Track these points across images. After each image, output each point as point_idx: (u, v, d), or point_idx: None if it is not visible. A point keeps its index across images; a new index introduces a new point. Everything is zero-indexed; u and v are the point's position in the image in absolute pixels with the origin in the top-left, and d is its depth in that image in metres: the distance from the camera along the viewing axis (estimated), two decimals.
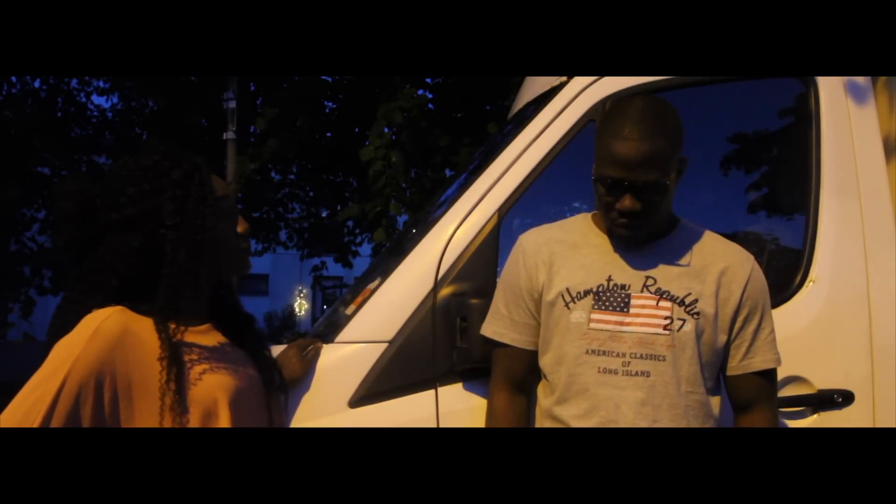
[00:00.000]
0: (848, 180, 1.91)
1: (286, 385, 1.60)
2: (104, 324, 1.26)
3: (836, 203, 1.90)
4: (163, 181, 1.37)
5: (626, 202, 1.45)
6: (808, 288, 1.87)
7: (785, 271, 1.92)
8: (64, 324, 1.29)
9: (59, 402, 1.20)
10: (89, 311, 1.28)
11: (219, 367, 1.36)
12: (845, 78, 1.97)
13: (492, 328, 1.62)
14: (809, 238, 1.90)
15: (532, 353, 1.59)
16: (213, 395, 1.33)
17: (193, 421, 1.29)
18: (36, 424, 1.18)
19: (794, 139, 2.06)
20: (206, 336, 1.41)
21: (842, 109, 1.95)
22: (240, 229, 1.48)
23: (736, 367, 1.56)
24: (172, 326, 1.30)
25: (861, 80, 1.98)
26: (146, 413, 1.27)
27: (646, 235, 1.52)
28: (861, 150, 1.93)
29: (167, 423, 1.26)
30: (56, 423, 1.19)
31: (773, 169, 2.20)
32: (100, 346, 1.24)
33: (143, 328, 1.29)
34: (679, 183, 1.54)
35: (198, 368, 1.33)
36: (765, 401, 1.57)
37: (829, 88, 1.96)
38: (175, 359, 1.28)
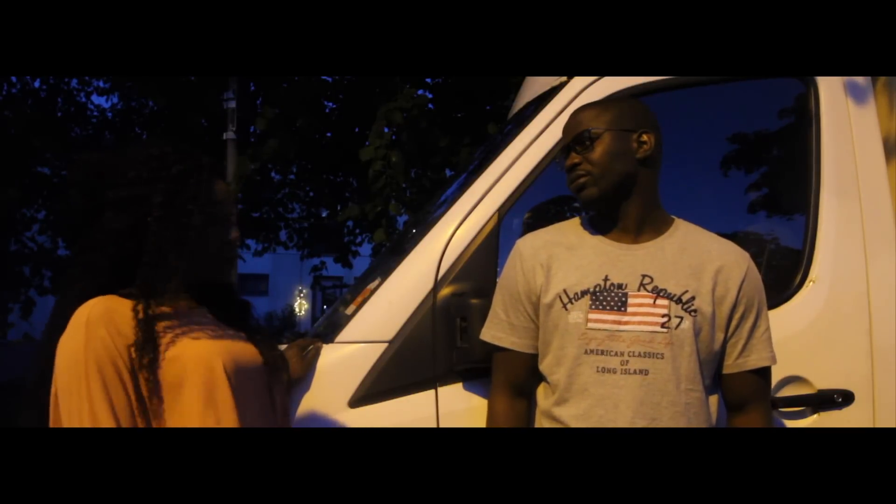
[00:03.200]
0: (848, 180, 1.91)
1: (288, 366, 1.61)
2: (92, 311, 1.28)
3: (836, 203, 1.90)
4: (161, 172, 1.38)
5: (567, 160, 1.59)
6: (808, 288, 1.87)
7: (785, 271, 1.92)
8: (65, 311, 1.30)
9: (95, 398, 1.22)
10: (82, 301, 1.29)
11: (209, 335, 1.37)
12: (845, 78, 1.97)
13: (491, 333, 1.62)
14: (809, 238, 1.90)
15: (532, 356, 1.59)
16: (209, 361, 1.33)
17: (192, 389, 1.30)
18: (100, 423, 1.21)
19: (794, 139, 2.06)
20: (194, 311, 1.41)
21: (842, 109, 1.95)
22: (231, 237, 1.47)
23: (731, 365, 1.56)
24: (143, 305, 1.30)
25: (861, 80, 1.97)
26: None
27: (602, 196, 1.54)
28: (861, 150, 1.93)
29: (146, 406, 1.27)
30: (104, 414, 1.22)
31: (773, 169, 2.20)
32: (99, 333, 1.26)
33: (127, 309, 1.30)
34: (655, 165, 1.56)
35: (183, 337, 1.33)
36: (759, 400, 1.57)
37: (829, 88, 1.96)
38: (149, 340, 1.28)
